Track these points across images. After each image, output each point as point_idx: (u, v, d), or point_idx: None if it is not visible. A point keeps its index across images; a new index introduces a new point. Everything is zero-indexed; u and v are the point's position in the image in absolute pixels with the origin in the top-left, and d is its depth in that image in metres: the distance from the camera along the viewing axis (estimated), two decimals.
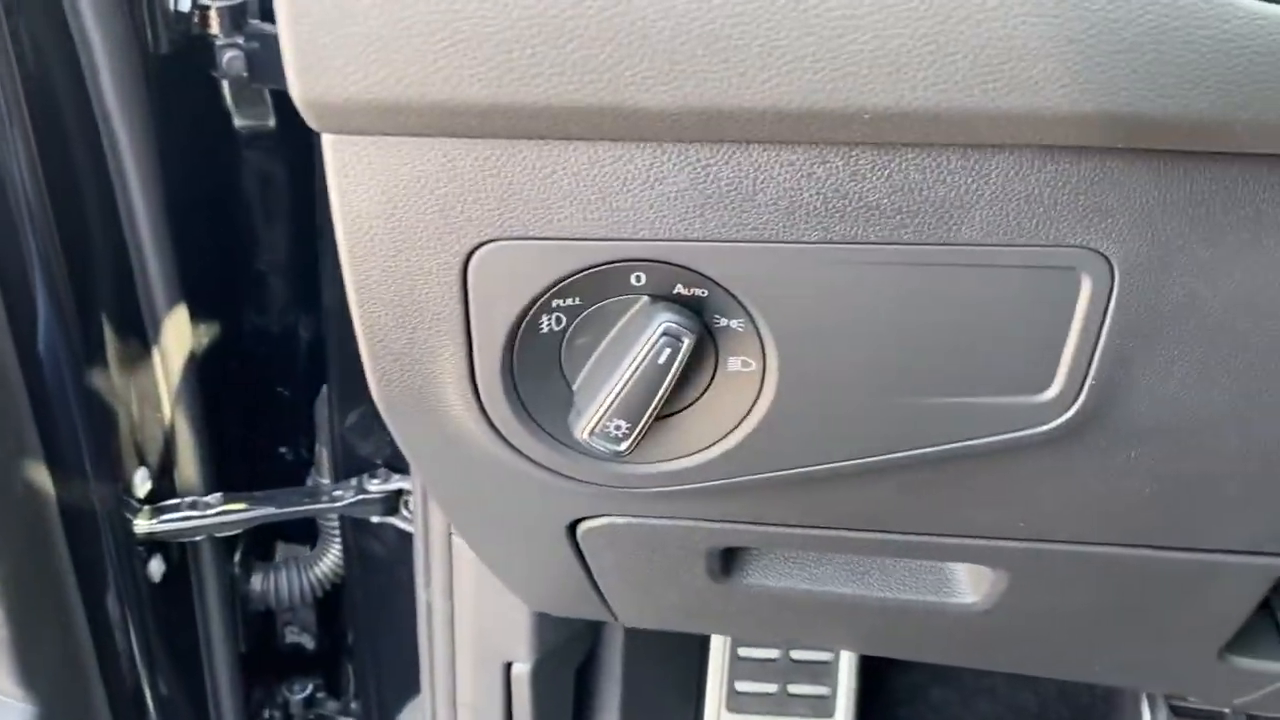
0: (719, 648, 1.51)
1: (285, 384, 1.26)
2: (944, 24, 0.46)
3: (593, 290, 0.57)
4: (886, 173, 0.52)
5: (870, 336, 0.57)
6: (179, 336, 1.08)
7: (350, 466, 1.21)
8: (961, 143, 0.51)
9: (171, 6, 0.95)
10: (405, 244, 0.55)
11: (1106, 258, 0.54)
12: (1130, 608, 0.76)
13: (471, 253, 0.55)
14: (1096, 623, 0.79)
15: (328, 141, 0.52)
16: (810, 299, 0.56)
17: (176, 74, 0.99)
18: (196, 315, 1.10)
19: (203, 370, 1.12)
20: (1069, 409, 0.59)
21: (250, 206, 1.13)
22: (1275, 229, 0.53)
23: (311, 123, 0.50)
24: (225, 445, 1.22)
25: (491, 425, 0.61)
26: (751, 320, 0.58)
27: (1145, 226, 0.53)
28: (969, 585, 0.78)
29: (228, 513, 1.14)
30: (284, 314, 1.22)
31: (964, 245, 0.54)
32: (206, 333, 1.14)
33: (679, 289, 0.57)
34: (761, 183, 0.53)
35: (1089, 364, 0.58)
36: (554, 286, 0.56)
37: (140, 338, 1.06)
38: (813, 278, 0.55)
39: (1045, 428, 0.60)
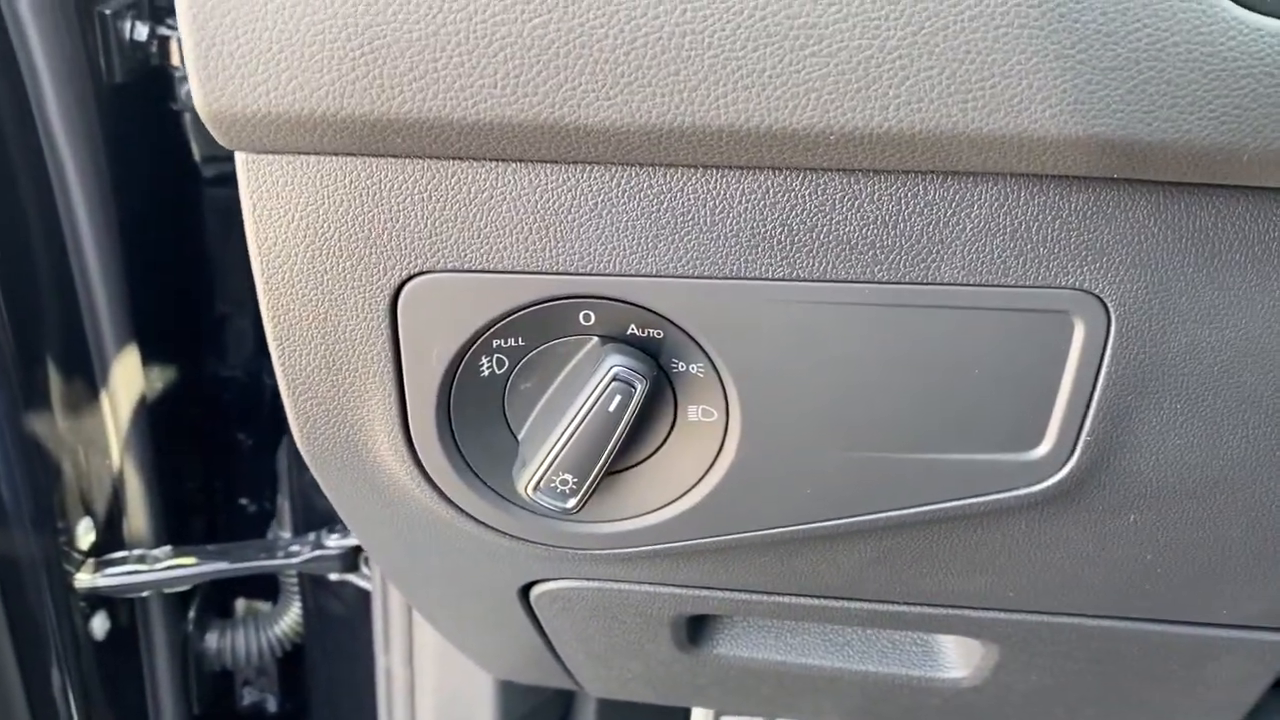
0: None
1: (246, 432, 1.21)
2: (917, 35, 0.41)
3: (537, 330, 0.52)
4: (858, 203, 0.47)
5: (842, 384, 0.52)
6: (129, 380, 1.03)
7: (311, 520, 1.15)
8: (940, 170, 0.46)
9: (127, 35, 0.92)
10: (328, 276, 0.50)
11: (1101, 300, 0.49)
12: (1131, 687, 0.69)
13: (401, 286, 0.50)
14: (1095, 703, 0.72)
15: (240, 161, 0.47)
16: (776, 342, 0.51)
17: (132, 104, 0.95)
18: (150, 358, 1.05)
19: (155, 416, 1.07)
20: (1062, 468, 0.54)
21: (211, 244, 1.09)
22: None
23: (220, 139, 0.46)
24: (181, 495, 1.16)
25: (427, 479, 0.56)
26: (712, 365, 0.52)
27: (1144, 266, 0.48)
28: (957, 659, 0.72)
29: (177, 567, 1.07)
30: (245, 358, 1.17)
31: (944, 285, 0.49)
32: (160, 376, 1.08)
33: (632, 330, 0.52)
34: (720, 212, 0.48)
35: (1083, 418, 0.52)
36: (494, 325, 0.51)
37: (88, 380, 1.00)
38: (778, 318, 0.50)
39: (1036, 489, 0.55)
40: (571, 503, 0.53)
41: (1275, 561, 0.58)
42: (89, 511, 1.05)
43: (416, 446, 0.54)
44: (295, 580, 1.22)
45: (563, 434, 0.52)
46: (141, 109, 0.97)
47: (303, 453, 0.57)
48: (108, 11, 0.90)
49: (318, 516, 1.14)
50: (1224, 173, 0.45)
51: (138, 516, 1.09)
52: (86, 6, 0.88)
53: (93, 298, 0.97)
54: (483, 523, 0.58)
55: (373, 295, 0.50)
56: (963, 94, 0.42)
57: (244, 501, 1.25)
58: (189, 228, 1.07)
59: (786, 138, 0.44)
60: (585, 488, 0.53)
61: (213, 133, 0.45)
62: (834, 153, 0.45)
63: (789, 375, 0.52)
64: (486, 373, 0.53)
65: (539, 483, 0.53)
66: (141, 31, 0.92)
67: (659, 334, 0.52)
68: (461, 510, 0.57)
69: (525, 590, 0.68)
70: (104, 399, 1.02)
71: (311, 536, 1.10)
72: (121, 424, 1.04)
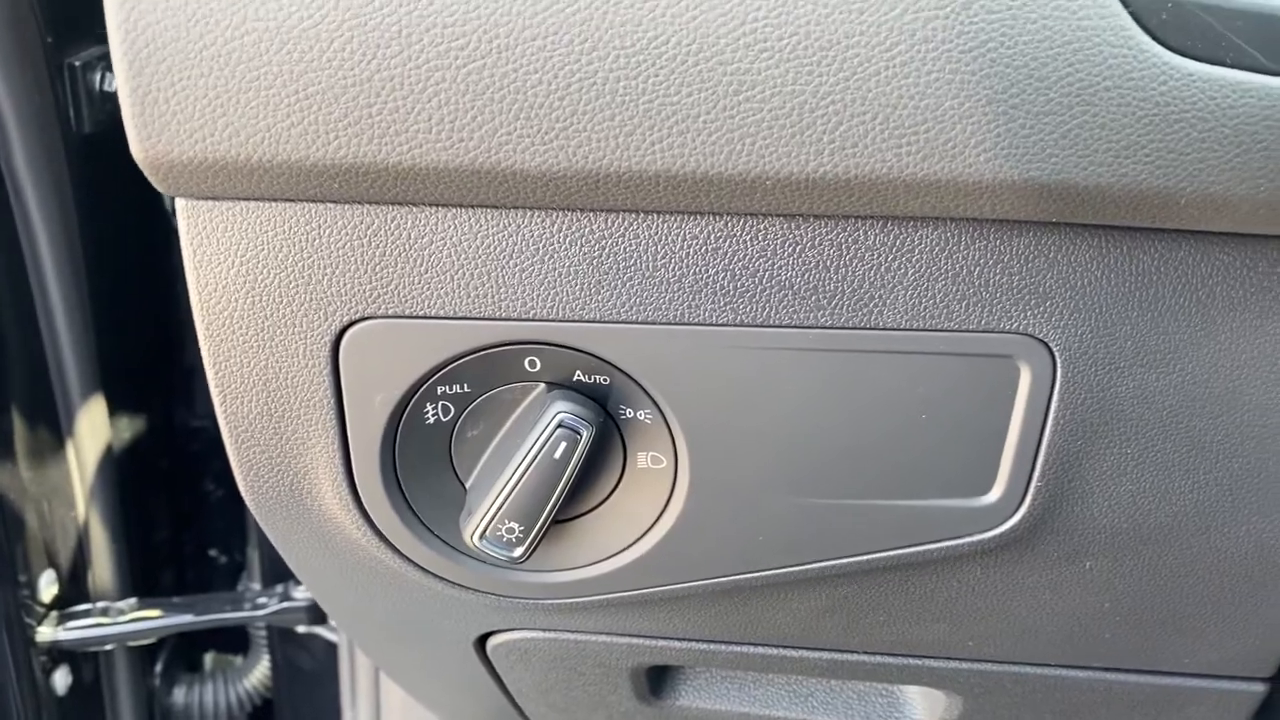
0: None
1: (216, 482, 1.20)
2: (849, 81, 0.41)
3: (482, 376, 0.51)
4: (799, 248, 0.47)
5: (790, 430, 0.52)
6: (96, 431, 1.02)
7: (281, 571, 1.13)
8: (879, 215, 0.46)
9: (97, 86, 0.92)
10: (268, 322, 0.49)
11: (1046, 345, 0.49)
12: None
13: (342, 332, 0.49)
14: None
15: (180, 207, 0.47)
16: (721, 388, 0.51)
17: (101, 154, 0.95)
18: (118, 408, 1.04)
19: (122, 466, 1.06)
20: (1014, 514, 0.53)
21: (180, 294, 1.09)
22: (1229, 314, 0.48)
23: (158, 185, 0.45)
24: (150, 547, 1.15)
25: (374, 528, 0.55)
26: (659, 411, 0.52)
27: (1088, 310, 0.48)
28: (922, 710, 0.71)
29: (142, 620, 1.06)
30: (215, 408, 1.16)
31: (887, 330, 0.49)
32: (128, 427, 1.07)
33: (579, 376, 0.51)
34: (662, 258, 0.48)
35: (1033, 464, 0.52)
36: (438, 371, 0.51)
37: (54, 431, 1.00)
38: (723, 364, 0.50)
39: (988, 535, 0.54)
40: (518, 551, 0.53)
41: (1234, 608, 0.58)
42: (52, 564, 1.03)
43: (361, 495, 0.54)
44: (264, 632, 1.20)
45: (508, 482, 0.51)
46: (111, 159, 0.97)
47: (248, 502, 0.56)
48: (77, 63, 0.90)
49: (287, 568, 1.13)
50: (1163, 217, 0.45)
51: (103, 568, 1.08)
52: (56, 58, 0.89)
53: (59, 348, 0.96)
54: (431, 573, 0.57)
55: (313, 341, 0.49)
56: (896, 139, 0.42)
57: (214, 553, 1.24)
58: (158, 277, 1.07)
59: (723, 183, 0.44)
60: (532, 536, 0.52)
61: (150, 179, 0.45)
62: (772, 198, 0.44)
63: (736, 421, 0.51)
64: (432, 420, 0.52)
65: (485, 531, 0.52)
66: (111, 82, 0.92)
67: (605, 380, 0.51)
68: (409, 560, 0.56)
69: (481, 642, 0.66)
70: (70, 450, 1.01)
71: (279, 588, 1.09)
72: (87, 475, 1.03)
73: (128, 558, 1.09)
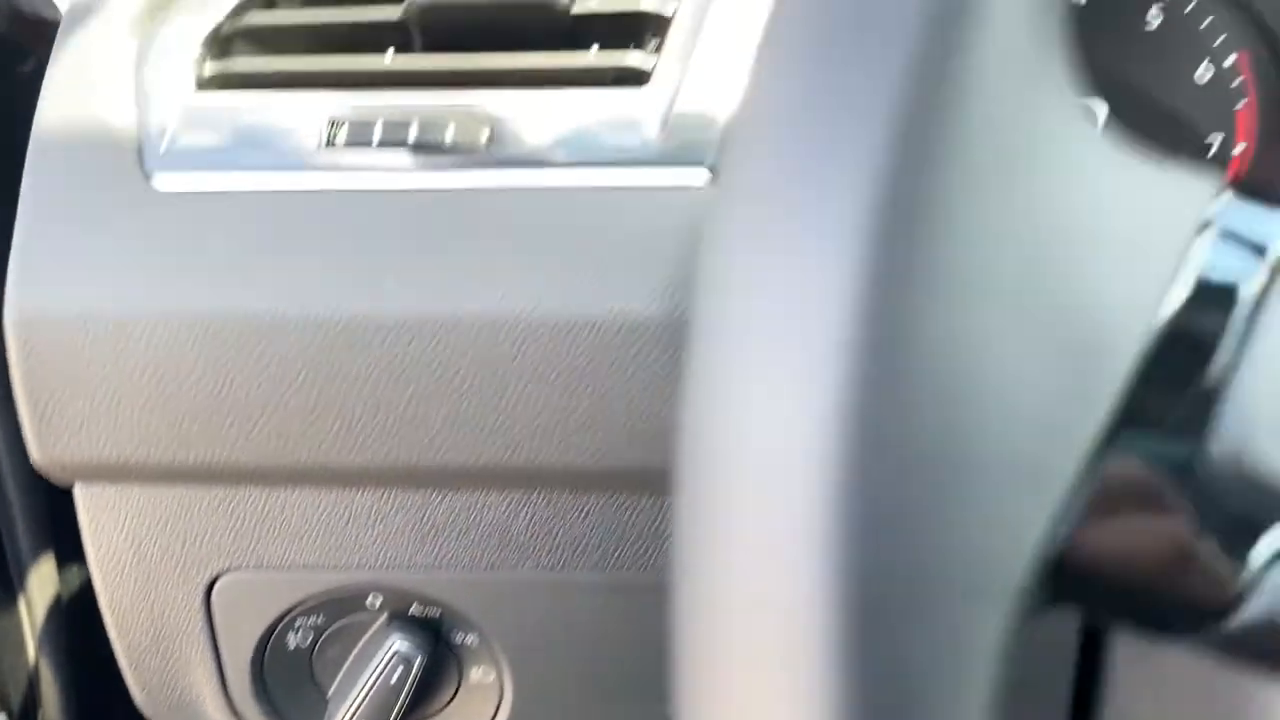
0: None
1: None
2: (600, 402, 0.52)
3: (334, 610, 0.62)
4: (585, 512, 0.58)
5: (590, 651, 0.62)
6: (44, 584, 1.11)
7: None
8: (643, 490, 0.56)
9: None
10: (152, 576, 0.60)
11: None
12: None
13: (213, 582, 0.60)
14: None
15: (77, 489, 0.58)
16: (532, 619, 0.61)
17: None
18: (66, 562, 1.13)
19: (71, 614, 1.15)
20: None
21: None
22: None
23: (53, 480, 0.56)
24: (99, 681, 1.23)
25: None
26: (483, 636, 0.62)
27: None
28: None
29: None
30: None
31: (665, 573, 0.59)
32: (77, 577, 1.17)
33: (414, 609, 0.61)
34: (474, 520, 0.58)
35: None
36: (294, 609, 0.61)
37: (6, 588, 1.09)
38: (531, 601, 0.60)
39: None
40: None
41: None
42: (4, 706, 1.12)
43: (237, 708, 0.64)
44: None
45: (354, 702, 0.61)
46: None
47: (140, 708, 0.66)
48: None
49: None
50: None
51: (51, 707, 1.16)
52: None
53: (11, 516, 1.06)
54: None
55: (189, 591, 0.60)
56: (639, 443, 0.53)
57: None
58: None
59: (510, 473, 0.54)
60: None
61: (46, 476, 0.56)
62: (550, 481, 0.55)
63: (547, 646, 0.61)
64: (293, 646, 0.62)
65: None
66: None
67: (437, 611, 0.61)
68: None
69: None
70: (21, 604, 1.10)
71: None
72: (37, 624, 1.12)
73: (75, 696, 1.17)
